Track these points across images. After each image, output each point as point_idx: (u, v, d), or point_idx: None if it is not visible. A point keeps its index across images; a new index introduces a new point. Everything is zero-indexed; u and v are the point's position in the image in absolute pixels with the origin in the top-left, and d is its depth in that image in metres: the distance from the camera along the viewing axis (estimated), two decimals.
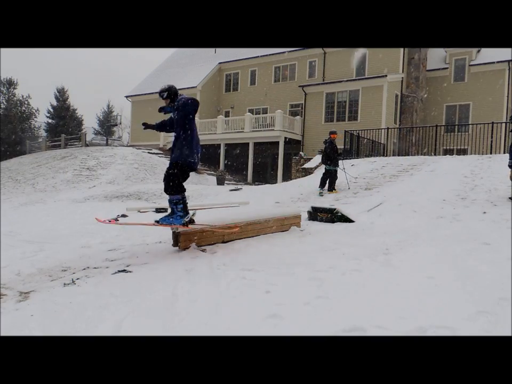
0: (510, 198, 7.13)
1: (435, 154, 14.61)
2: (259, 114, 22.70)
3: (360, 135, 16.09)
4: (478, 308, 2.81)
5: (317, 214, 7.10)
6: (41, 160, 22.16)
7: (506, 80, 19.47)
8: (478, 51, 20.66)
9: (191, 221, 5.02)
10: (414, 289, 3.32)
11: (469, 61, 20.42)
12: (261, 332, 2.58)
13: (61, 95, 37.42)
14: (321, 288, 3.43)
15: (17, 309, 3.19)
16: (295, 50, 22.70)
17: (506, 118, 18.73)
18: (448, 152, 17.13)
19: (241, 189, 13.73)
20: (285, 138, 19.95)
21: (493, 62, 19.63)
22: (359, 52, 20.78)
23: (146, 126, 5.17)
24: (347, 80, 20.18)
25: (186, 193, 4.95)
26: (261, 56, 24.17)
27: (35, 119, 35.76)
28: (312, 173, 14.08)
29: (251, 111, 23.67)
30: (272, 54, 23.62)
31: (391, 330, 2.52)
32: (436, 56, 21.86)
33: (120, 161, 19.70)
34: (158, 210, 9.23)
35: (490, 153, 13.09)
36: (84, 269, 4.46)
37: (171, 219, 4.84)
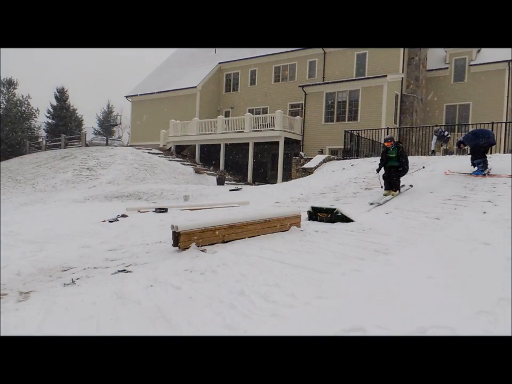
0: None
1: (435, 154, 14.61)
2: (259, 114, 22.68)
3: (360, 135, 16.09)
4: (478, 308, 2.81)
5: (317, 214, 7.10)
6: (41, 160, 22.16)
7: (506, 80, 19.46)
8: (478, 51, 20.65)
9: None
10: (414, 289, 3.32)
11: (469, 61, 20.42)
12: (261, 332, 2.58)
13: (61, 95, 37.44)
14: (321, 288, 3.43)
15: (17, 309, 3.19)
16: (295, 50, 22.69)
17: (507, 118, 18.72)
18: (448, 152, 17.12)
19: (241, 189, 13.73)
20: (285, 138, 19.96)
21: (493, 62, 19.63)
22: (359, 52, 20.79)
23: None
24: (347, 80, 20.17)
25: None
26: (261, 56, 24.16)
27: (35, 119, 35.75)
28: (312, 173, 14.07)
29: (251, 111, 23.66)
30: (272, 54, 23.61)
31: (391, 330, 2.52)
32: (436, 56, 21.85)
33: (120, 161, 19.70)
34: (158, 210, 9.24)
35: (490, 153, 13.06)
36: (84, 269, 4.46)
37: None
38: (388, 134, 16.64)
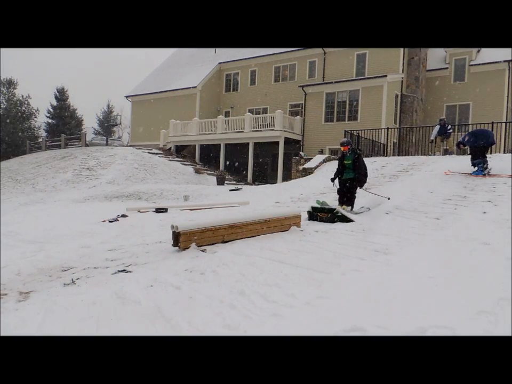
0: None
1: (434, 154, 14.62)
2: (259, 114, 22.68)
3: (360, 135, 16.10)
4: (478, 308, 2.81)
5: (317, 214, 7.10)
6: (41, 160, 22.15)
7: (506, 80, 19.46)
8: (478, 51, 20.65)
9: None
10: (414, 289, 3.32)
11: (469, 61, 20.41)
12: (261, 332, 2.58)
13: (61, 95, 37.44)
14: (321, 288, 3.43)
15: (17, 309, 3.19)
16: (295, 50, 22.69)
17: (506, 118, 18.71)
18: (448, 152, 17.13)
19: (241, 189, 13.73)
20: (285, 138, 19.96)
21: (493, 62, 19.63)
22: (359, 52, 20.79)
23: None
24: (347, 80, 20.17)
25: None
26: (261, 56, 24.16)
27: (35, 119, 35.75)
28: (312, 173, 14.07)
29: (251, 111, 23.65)
30: (272, 54, 23.61)
31: (391, 330, 2.52)
32: (436, 56, 21.85)
33: (120, 161, 19.69)
34: (158, 210, 9.24)
35: (490, 153, 13.07)
36: (84, 269, 4.46)
37: None
38: (387, 134, 16.69)
